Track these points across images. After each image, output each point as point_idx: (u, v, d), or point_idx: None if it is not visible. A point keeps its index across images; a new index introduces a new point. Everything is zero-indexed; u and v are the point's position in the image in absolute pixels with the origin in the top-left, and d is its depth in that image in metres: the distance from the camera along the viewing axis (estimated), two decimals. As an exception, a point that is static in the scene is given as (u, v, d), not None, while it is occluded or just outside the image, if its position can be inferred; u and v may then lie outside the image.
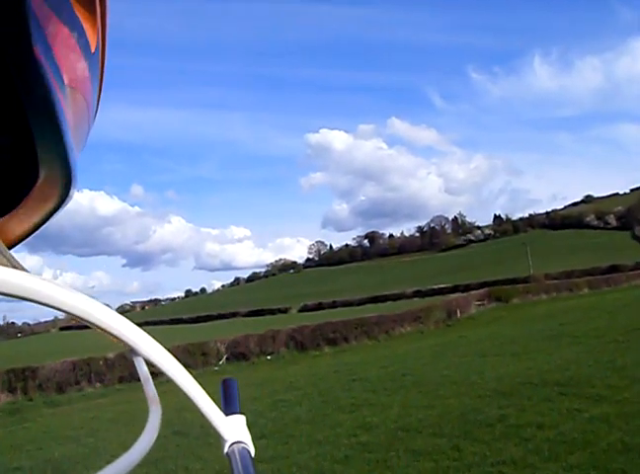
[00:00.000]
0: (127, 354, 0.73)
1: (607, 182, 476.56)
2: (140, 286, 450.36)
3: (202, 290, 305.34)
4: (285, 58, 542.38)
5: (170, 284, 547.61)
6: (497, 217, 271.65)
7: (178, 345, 33.98)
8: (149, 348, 0.69)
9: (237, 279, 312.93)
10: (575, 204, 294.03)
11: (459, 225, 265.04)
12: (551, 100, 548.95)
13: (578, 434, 11.77)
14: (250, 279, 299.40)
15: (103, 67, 0.89)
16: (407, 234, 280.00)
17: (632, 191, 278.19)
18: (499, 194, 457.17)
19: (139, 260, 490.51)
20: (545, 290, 64.29)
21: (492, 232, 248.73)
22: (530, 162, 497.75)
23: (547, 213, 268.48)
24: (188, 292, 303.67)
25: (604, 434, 11.63)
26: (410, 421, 14.83)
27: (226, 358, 36.40)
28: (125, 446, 0.86)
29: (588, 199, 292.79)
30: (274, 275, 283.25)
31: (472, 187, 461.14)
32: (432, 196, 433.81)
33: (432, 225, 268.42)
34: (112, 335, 0.65)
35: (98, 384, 31.68)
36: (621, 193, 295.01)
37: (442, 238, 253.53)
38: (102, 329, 0.63)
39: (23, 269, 0.74)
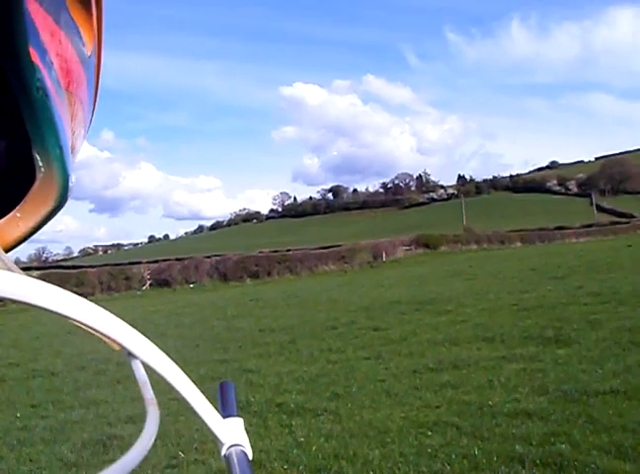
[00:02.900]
0: (124, 356, 0.71)
1: (574, 149, 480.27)
2: (108, 233, 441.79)
3: (166, 236, 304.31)
4: (262, 8, 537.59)
5: (137, 231, 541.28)
6: (461, 177, 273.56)
7: (101, 268, 34.69)
8: (146, 350, 0.67)
9: (200, 227, 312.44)
10: (540, 169, 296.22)
11: (423, 183, 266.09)
12: (527, 65, 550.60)
13: (401, 334, 13.32)
14: (213, 228, 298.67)
15: (98, 70, 0.91)
16: (372, 190, 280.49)
17: (597, 159, 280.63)
18: (471, 156, 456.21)
19: (107, 206, 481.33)
20: (476, 241, 65.99)
21: (455, 192, 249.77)
22: (505, 126, 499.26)
23: (511, 177, 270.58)
24: (151, 238, 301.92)
25: (423, 332, 13.23)
26: (272, 325, 16.31)
27: (150, 284, 37.40)
28: None
29: (553, 165, 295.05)
30: (236, 224, 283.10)
31: (445, 148, 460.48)
32: (404, 155, 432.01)
33: (396, 182, 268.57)
34: (109, 338, 0.64)
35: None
36: (586, 160, 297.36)
37: (406, 195, 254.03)
38: (99, 332, 0.63)
39: (19, 272, 0.71)
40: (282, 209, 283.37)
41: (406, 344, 12.24)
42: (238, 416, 0.87)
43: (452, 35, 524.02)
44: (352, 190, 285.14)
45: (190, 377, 0.64)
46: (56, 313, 0.58)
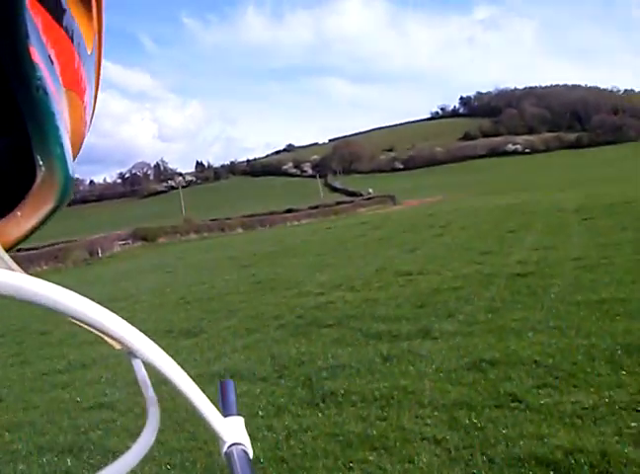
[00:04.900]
0: (125, 355, 0.70)
1: (310, 132, 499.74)
2: None
3: None
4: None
5: None
6: (199, 164, 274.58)
7: None
8: (147, 350, 0.68)
9: None
10: (278, 152, 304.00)
11: (161, 172, 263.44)
12: (265, 50, 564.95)
13: (61, 336, 14.10)
14: None
15: (99, 68, 0.93)
16: (110, 181, 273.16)
17: (330, 141, 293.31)
18: (213, 141, 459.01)
19: None
20: (196, 230, 67.02)
21: (194, 179, 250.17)
22: (246, 110, 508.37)
23: (248, 161, 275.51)
24: None
25: (82, 333, 13.97)
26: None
27: None
28: None
29: (290, 148, 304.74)
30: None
31: (187, 134, 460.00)
32: (146, 142, 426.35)
33: (133, 172, 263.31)
34: (110, 336, 0.65)
35: None
36: (320, 142, 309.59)
37: (144, 184, 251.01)
38: (100, 330, 0.64)
39: (20, 271, 0.71)
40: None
41: (60, 346, 13.06)
42: (239, 415, 0.89)
43: (189, 20, 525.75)
44: (88, 182, 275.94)
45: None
46: (57, 311, 0.60)
